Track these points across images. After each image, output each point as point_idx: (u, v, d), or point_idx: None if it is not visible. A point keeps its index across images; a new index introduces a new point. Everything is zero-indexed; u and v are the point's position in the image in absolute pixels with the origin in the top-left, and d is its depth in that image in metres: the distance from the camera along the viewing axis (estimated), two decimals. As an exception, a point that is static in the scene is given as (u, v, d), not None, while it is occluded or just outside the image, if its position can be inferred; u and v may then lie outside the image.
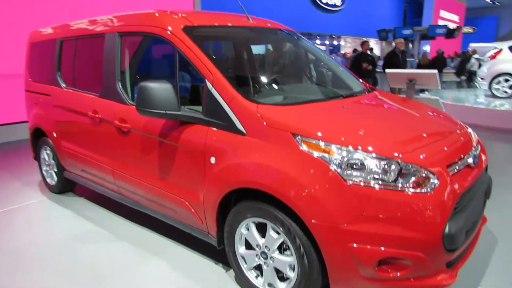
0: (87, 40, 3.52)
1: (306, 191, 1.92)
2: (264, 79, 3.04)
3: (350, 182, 1.88)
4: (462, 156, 2.20)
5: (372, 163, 1.91)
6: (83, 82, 3.56)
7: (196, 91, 2.66)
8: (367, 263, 1.85)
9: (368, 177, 1.89)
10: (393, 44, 9.35)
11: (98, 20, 3.39)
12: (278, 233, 2.12)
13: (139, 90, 2.42)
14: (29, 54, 4.33)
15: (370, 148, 1.95)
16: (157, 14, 2.79)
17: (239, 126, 2.24)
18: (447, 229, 1.85)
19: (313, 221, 1.89)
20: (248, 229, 2.27)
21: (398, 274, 1.88)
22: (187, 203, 2.57)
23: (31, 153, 4.46)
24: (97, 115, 3.18)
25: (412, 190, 1.86)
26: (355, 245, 1.84)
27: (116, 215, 3.58)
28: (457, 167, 2.10)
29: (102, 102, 3.17)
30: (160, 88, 2.38)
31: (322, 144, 1.99)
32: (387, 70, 4.17)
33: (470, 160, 2.23)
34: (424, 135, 2.26)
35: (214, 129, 2.35)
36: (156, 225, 3.26)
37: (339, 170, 1.91)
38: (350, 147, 1.95)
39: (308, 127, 2.09)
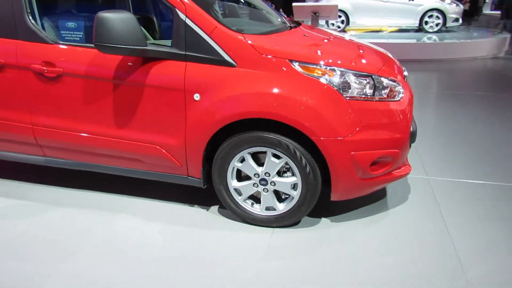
0: None
1: (314, 112, 2.09)
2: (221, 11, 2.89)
3: (348, 98, 2.14)
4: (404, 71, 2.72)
5: (362, 81, 2.19)
6: None
7: (151, 23, 2.37)
8: (365, 166, 2.19)
9: (360, 92, 2.18)
10: None
11: None
12: (277, 158, 2.24)
13: (97, 22, 2.04)
14: None
15: (359, 68, 2.24)
16: None
17: (227, 58, 2.17)
18: (411, 128, 2.34)
19: (322, 138, 2.10)
20: (241, 161, 2.31)
21: (384, 170, 2.30)
22: (159, 148, 2.39)
23: None
24: (-7, 61, 2.48)
25: (391, 99, 2.25)
26: (356, 152, 2.15)
27: (39, 184, 2.97)
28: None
29: (1, 42, 2.47)
30: (123, 20, 2.07)
31: (320, 67, 2.16)
32: (294, 4, 4.41)
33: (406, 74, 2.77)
34: (375, 57, 2.64)
35: (194, 63, 2.20)
36: (96, 185, 2.89)
37: (338, 89, 2.13)
38: (344, 68, 2.18)
39: (302, 53, 2.22)
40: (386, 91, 2.25)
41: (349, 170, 2.19)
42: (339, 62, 2.24)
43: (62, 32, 2.42)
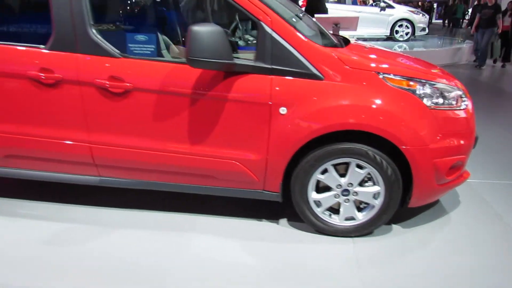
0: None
1: (403, 122, 2.16)
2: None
3: (431, 107, 2.23)
4: None
5: (439, 91, 2.29)
6: None
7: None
8: (443, 172, 2.29)
9: (440, 102, 2.28)
10: None
11: None
12: (360, 168, 2.27)
13: (191, 35, 1.97)
14: None
15: (435, 78, 2.34)
16: None
17: (314, 71, 2.17)
18: (475, 134, 2.48)
19: (409, 147, 2.16)
20: (324, 173, 2.31)
21: (456, 175, 2.41)
22: (237, 163, 2.33)
23: None
24: (51, 75, 2.30)
25: (461, 107, 2.36)
26: (437, 160, 2.24)
27: (85, 206, 2.76)
28: None
29: (59, 57, 2.30)
30: (215, 33, 2.02)
31: (405, 79, 2.24)
32: (316, 16, 4.47)
33: None
34: (436, 68, 2.75)
35: (280, 77, 2.19)
36: (150, 204, 2.76)
37: (422, 99, 2.22)
38: (424, 80, 2.27)
39: (386, 65, 2.29)
40: (457, 99, 2.36)
41: (430, 177, 2.27)
42: (418, 73, 2.33)
43: (130, 45, 2.30)
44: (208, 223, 2.58)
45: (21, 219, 2.61)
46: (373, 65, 2.27)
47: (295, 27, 2.23)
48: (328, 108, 2.17)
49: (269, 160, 2.29)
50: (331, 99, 2.17)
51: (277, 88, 2.18)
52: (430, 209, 2.77)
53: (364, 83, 2.19)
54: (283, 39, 2.16)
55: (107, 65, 2.27)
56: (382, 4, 10.99)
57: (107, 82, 2.26)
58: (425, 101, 2.23)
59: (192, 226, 2.55)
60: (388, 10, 11.06)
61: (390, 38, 11.24)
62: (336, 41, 2.63)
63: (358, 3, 11.52)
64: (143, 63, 2.28)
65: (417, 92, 2.23)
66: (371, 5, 11.61)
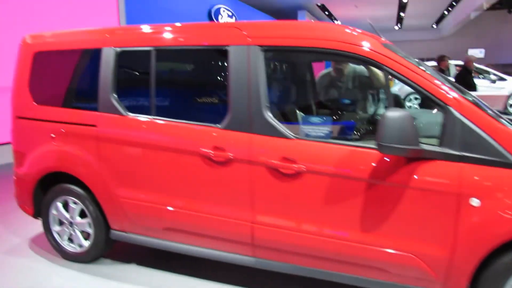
0: (176, 52, 2.66)
1: None
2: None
3: None
4: None
5: None
6: (174, 109, 2.66)
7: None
8: None
9: None
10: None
11: (206, 26, 2.57)
12: None
13: (385, 121, 1.91)
14: (31, 68, 3.01)
15: None
16: (348, 30, 2.27)
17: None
18: None
19: None
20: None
21: None
22: (414, 256, 2.09)
23: (28, 207, 3.11)
24: (222, 153, 2.38)
25: None
26: None
27: (220, 283, 2.71)
28: None
29: (232, 136, 2.39)
30: (405, 119, 1.93)
31: None
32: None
33: None
34: None
35: (472, 165, 1.99)
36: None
37: None
38: None
39: None
40: None
41: None
42: None
43: (303, 126, 2.32)
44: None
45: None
46: None
47: (483, 110, 2.06)
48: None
49: (454, 257, 2.02)
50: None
51: (467, 177, 1.98)
52: None
53: None
54: (474, 124, 2.00)
55: (280, 146, 2.28)
56: (493, 77, 10.38)
57: (279, 163, 2.26)
58: None
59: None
60: (498, 83, 10.40)
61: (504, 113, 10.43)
62: None
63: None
64: (318, 145, 2.25)
65: None
66: (478, 77, 11.04)
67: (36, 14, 6.60)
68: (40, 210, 3.12)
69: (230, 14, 14.34)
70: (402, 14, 19.85)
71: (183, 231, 2.61)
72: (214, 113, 2.58)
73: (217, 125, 2.43)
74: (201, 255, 2.60)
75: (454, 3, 17.63)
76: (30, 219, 3.20)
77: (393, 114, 1.92)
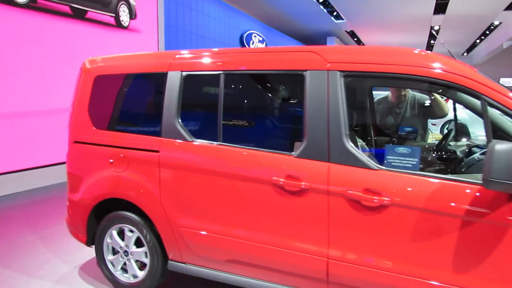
0: (246, 77, 2.57)
1: None
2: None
3: None
4: None
5: None
6: (244, 135, 2.55)
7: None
8: None
9: None
10: None
11: (281, 50, 2.47)
12: None
13: (493, 155, 1.72)
14: (91, 92, 2.99)
15: None
16: (444, 60, 2.11)
17: None
18: None
19: None
20: None
21: None
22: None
23: (81, 235, 3.01)
24: (297, 183, 2.22)
25: None
26: None
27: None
28: None
29: (308, 165, 2.24)
30: None
31: None
32: None
33: None
34: None
35: None
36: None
37: None
38: None
39: None
40: None
41: None
42: None
43: (389, 157, 2.15)
44: None
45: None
46: None
47: None
48: None
49: None
50: None
51: None
52: None
53: None
54: None
55: (363, 177, 2.11)
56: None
57: (362, 195, 2.09)
58: None
59: None
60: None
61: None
62: None
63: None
64: (405, 178, 2.07)
65: None
66: None
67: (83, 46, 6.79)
68: (93, 238, 3.03)
69: (261, 39, 14.52)
70: (432, 41, 19.69)
71: (248, 263, 2.44)
72: (287, 140, 2.45)
73: (291, 153, 2.30)
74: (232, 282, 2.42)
75: (487, 32, 17.39)
76: (79, 245, 3.10)
77: (502, 147, 1.74)
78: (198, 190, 2.53)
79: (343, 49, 2.39)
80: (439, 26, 16.09)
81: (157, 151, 2.65)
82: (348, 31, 18.02)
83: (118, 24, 7.59)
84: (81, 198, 2.95)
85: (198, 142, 2.56)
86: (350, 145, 2.16)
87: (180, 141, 2.60)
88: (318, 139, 2.22)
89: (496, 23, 16.00)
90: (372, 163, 2.12)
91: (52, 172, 6.18)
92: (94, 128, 2.93)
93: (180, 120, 2.62)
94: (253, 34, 14.05)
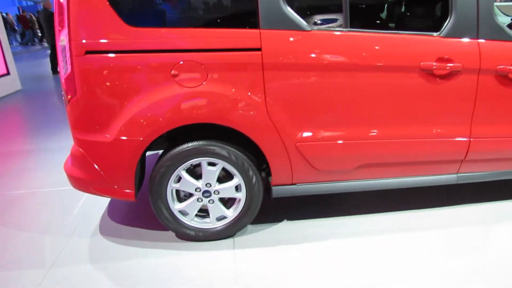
0: None
1: None
2: None
3: None
4: None
5: None
6: (377, 18, 2.04)
7: None
8: None
9: None
10: None
11: None
12: None
13: None
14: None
15: None
16: None
17: None
18: None
19: None
20: None
21: None
22: None
23: (128, 188, 2.08)
24: (448, 65, 2.03)
25: None
26: None
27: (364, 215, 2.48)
28: None
29: (457, 44, 2.05)
30: None
31: None
32: None
33: None
34: None
35: None
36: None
37: None
38: None
39: None
40: None
41: None
42: None
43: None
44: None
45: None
46: None
47: None
48: None
49: None
50: None
51: None
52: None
53: None
54: None
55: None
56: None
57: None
58: None
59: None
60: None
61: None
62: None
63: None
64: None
65: None
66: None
67: None
68: (139, 189, 2.14)
69: None
70: None
71: (383, 164, 2.23)
72: (427, 19, 2.13)
73: (435, 33, 2.03)
74: (401, 185, 2.31)
75: None
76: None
77: None
78: (323, 92, 2.02)
79: None
80: None
81: (258, 49, 1.91)
82: None
83: None
84: (123, 136, 1.95)
85: (319, 30, 1.95)
86: (496, 19, 2.06)
87: (293, 31, 1.92)
88: (466, 16, 2.02)
89: None
90: None
91: None
92: (128, 25, 1.83)
93: (287, 4, 1.90)
94: None
